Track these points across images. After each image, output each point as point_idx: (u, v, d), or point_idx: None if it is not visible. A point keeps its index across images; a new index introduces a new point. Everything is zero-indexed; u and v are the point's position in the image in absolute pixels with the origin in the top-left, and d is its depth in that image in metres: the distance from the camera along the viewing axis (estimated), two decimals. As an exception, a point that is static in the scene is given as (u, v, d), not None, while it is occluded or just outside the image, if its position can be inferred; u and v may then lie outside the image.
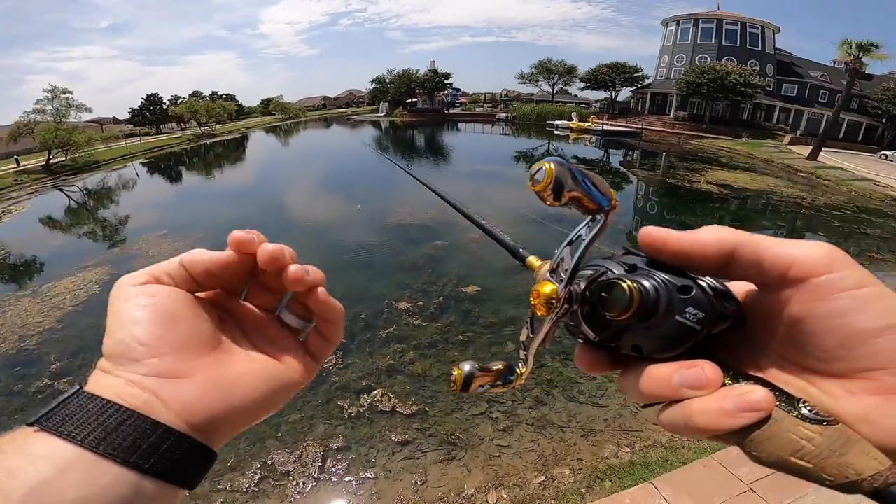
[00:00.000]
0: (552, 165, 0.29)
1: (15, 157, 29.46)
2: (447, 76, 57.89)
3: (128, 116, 57.53)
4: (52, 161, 27.64)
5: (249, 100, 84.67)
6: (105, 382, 0.27)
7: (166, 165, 29.92)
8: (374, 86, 64.84)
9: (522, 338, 0.33)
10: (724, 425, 0.24)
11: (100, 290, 7.80)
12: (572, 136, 36.07)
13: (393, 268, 7.59)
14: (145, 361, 0.28)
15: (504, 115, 50.01)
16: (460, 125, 48.29)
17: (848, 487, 0.22)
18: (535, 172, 0.29)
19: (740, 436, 0.24)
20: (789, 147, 29.97)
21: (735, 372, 0.26)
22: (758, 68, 39.89)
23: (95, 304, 7.22)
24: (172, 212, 14.73)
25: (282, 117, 75.14)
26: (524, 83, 57.38)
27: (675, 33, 45.62)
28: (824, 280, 0.24)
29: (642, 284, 0.27)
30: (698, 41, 43.61)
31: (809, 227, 12.12)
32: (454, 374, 0.33)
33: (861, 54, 23.30)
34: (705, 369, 0.26)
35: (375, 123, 53.86)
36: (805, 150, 25.89)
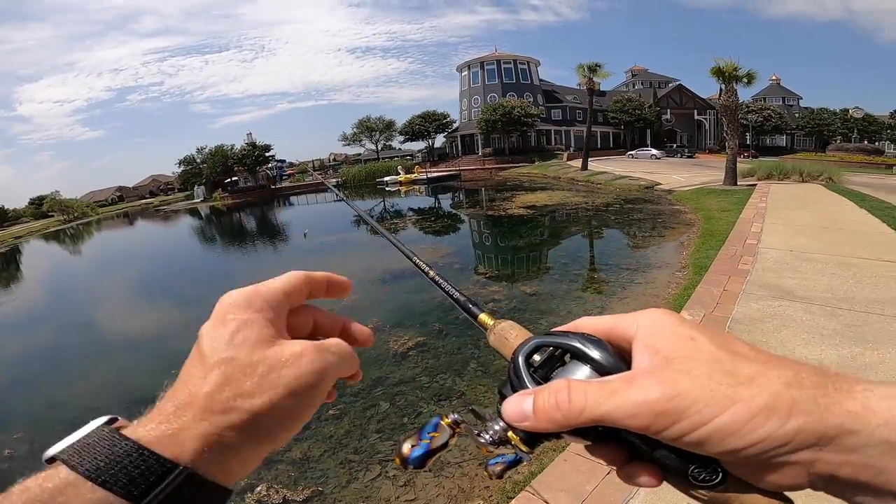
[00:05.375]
0: (397, 461, 0.37)
1: None
2: (268, 148, 56.05)
3: None
4: None
5: (14, 200, 68.25)
6: None
7: None
8: (182, 168, 58.80)
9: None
10: (632, 486, 0.32)
11: None
12: (403, 189, 38.14)
13: (242, 363, 7.03)
14: None
15: (334, 180, 50.45)
16: (292, 199, 46.84)
17: None
18: (402, 463, 0.37)
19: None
20: (568, 163, 37.38)
21: (655, 441, 0.31)
22: (532, 99, 48.99)
23: None
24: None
25: (64, 219, 61.91)
26: (348, 144, 59.19)
27: (469, 77, 53.28)
28: (668, 432, 0.28)
29: (524, 437, 0.36)
30: (486, 82, 51.57)
31: (600, 225, 15.18)
32: (487, 473, 0.39)
33: (591, 74, 30.26)
34: (603, 455, 0.33)
35: (193, 212, 48.19)
36: (578, 162, 32.61)
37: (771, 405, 0.25)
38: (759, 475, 0.27)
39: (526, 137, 47.48)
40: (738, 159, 18.55)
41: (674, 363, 0.28)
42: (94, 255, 30.93)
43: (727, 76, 17.17)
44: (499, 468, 0.39)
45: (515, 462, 0.38)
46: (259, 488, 4.22)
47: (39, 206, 67.99)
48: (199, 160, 56.24)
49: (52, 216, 64.46)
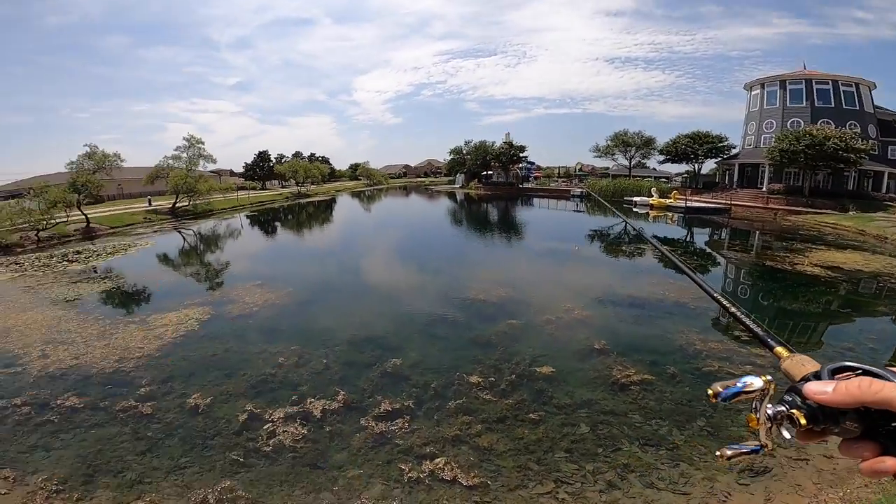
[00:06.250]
0: (709, 392, 0.49)
1: (149, 197, 34.69)
2: (522, 149, 59.71)
3: (241, 170, 66.18)
4: (177, 205, 32.02)
5: (340, 163, 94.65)
6: None
7: (266, 220, 33.57)
8: (451, 156, 67.68)
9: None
10: (873, 477, 0.42)
11: (198, 327, 8.62)
12: (652, 213, 34.49)
13: (465, 342, 7.64)
14: None
15: (579, 190, 49.05)
16: (534, 200, 48.73)
17: None
18: (713, 396, 0.48)
19: None
20: (910, 222, 26.43)
21: None
22: (858, 130, 35.67)
23: (191, 340, 7.99)
24: (266, 264, 16.27)
25: (367, 183, 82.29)
26: (599, 156, 57.25)
27: (761, 97, 42.65)
28: None
29: (808, 413, 0.45)
30: (788, 104, 40.29)
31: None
32: (718, 453, 0.49)
33: None
34: (861, 450, 0.44)
35: (451, 195, 56.32)
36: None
37: None
38: None
39: (840, 177, 35.62)
40: None
41: None
42: (377, 214, 39.69)
43: None
44: (731, 452, 0.47)
45: (751, 452, 0.47)
46: (439, 459, 4.52)
47: (354, 171, 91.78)
48: (464, 151, 64.34)
49: (360, 179, 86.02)
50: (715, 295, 0.67)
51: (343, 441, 4.92)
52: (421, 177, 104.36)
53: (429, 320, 8.81)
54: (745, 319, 0.60)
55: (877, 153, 36.04)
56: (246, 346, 7.62)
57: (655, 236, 23.20)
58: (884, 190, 35.78)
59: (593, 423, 5.08)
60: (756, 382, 0.46)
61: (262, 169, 64.00)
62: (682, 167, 51.29)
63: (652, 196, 38.57)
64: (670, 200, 36.73)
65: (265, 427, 5.16)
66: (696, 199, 38.04)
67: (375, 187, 76.68)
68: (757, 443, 0.46)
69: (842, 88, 39.27)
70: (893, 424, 0.42)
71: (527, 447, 4.72)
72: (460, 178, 67.39)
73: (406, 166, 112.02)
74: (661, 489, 4.06)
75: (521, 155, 60.53)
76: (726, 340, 7.53)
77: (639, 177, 53.63)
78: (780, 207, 33.18)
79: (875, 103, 40.17)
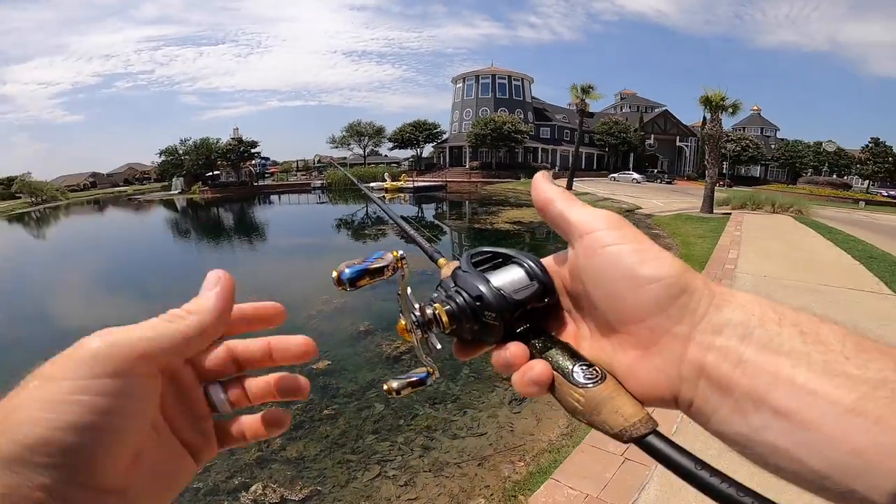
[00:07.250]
0: (334, 275, 0.37)
1: None
2: (254, 144, 54.98)
3: None
4: None
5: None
6: None
7: None
8: (162, 158, 56.64)
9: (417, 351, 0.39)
10: (526, 394, 0.31)
11: None
12: (388, 196, 37.94)
13: (233, 359, 6.90)
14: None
15: (319, 182, 49.47)
16: (273, 197, 46.40)
17: (615, 437, 0.27)
18: (338, 281, 0.37)
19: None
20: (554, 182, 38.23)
21: (551, 342, 0.32)
22: (522, 116, 48.87)
23: None
24: None
25: (31, 201, 59.45)
26: (336, 147, 58.71)
27: (463, 90, 53.28)
28: (594, 236, 0.28)
29: (449, 308, 0.36)
30: (480, 95, 51.65)
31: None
32: (385, 388, 0.39)
33: (584, 95, 30.78)
34: (509, 350, 0.32)
35: (168, 203, 46.88)
36: (563, 182, 33.44)
37: (677, 262, 0.28)
38: (644, 352, 0.27)
39: (514, 153, 48.16)
40: (716, 188, 19.08)
41: None
42: (56, 241, 29.66)
43: (714, 105, 17.37)
44: (396, 384, 0.38)
45: (418, 382, 0.38)
46: (254, 487, 4.18)
47: (8, 188, 64.70)
48: (181, 151, 54.61)
49: (20, 198, 61.59)
50: (390, 214, 0.64)
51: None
52: (121, 185, 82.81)
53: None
54: (412, 233, 0.55)
55: (534, 134, 49.89)
56: None
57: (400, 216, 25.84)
58: (539, 161, 50.17)
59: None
60: (384, 261, 0.39)
61: None
62: (408, 152, 58.21)
63: (386, 181, 42.33)
64: (401, 183, 41.31)
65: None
66: (421, 179, 43.95)
67: (47, 206, 56.45)
68: (423, 369, 0.38)
69: (513, 82, 52.50)
70: (540, 305, 0.34)
71: (337, 443, 4.77)
72: (178, 182, 56.86)
73: (95, 174, 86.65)
74: (464, 437, 4.70)
75: (254, 151, 55.84)
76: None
77: (373, 164, 57.90)
78: (479, 180, 42.22)
79: (533, 95, 55.12)
